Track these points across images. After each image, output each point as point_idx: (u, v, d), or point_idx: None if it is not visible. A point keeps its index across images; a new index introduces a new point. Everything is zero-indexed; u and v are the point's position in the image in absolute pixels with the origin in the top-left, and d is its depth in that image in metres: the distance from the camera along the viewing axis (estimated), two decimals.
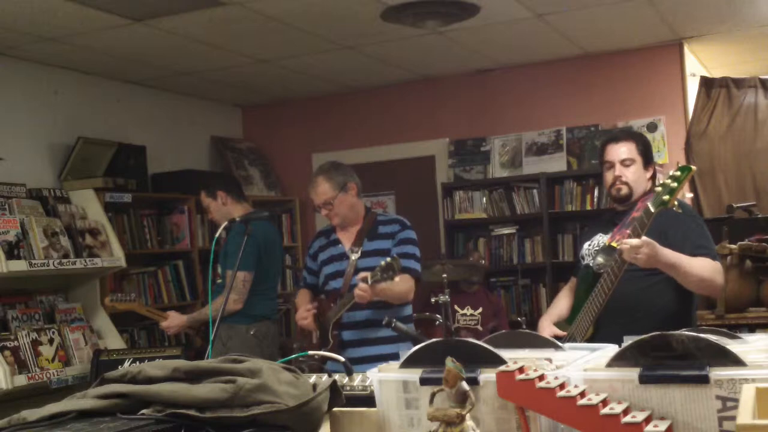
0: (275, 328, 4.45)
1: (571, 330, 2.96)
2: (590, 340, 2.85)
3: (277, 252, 4.44)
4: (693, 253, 2.79)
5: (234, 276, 3.72)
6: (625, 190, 2.98)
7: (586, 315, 2.88)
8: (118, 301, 4.45)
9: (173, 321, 4.35)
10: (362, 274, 3.29)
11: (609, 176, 3.02)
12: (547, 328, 3.05)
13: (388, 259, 3.22)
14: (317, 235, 3.83)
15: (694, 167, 2.51)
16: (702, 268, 2.78)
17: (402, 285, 3.43)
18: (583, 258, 3.10)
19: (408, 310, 3.64)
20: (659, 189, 2.52)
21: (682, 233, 2.85)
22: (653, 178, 3.06)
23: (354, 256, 3.56)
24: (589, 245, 3.08)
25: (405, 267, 3.48)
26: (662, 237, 2.76)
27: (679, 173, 2.48)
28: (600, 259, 2.85)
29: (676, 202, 2.55)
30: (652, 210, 2.53)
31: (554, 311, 3.17)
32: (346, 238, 3.65)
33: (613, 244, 2.80)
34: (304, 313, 3.63)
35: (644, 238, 2.58)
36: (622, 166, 2.99)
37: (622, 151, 3.00)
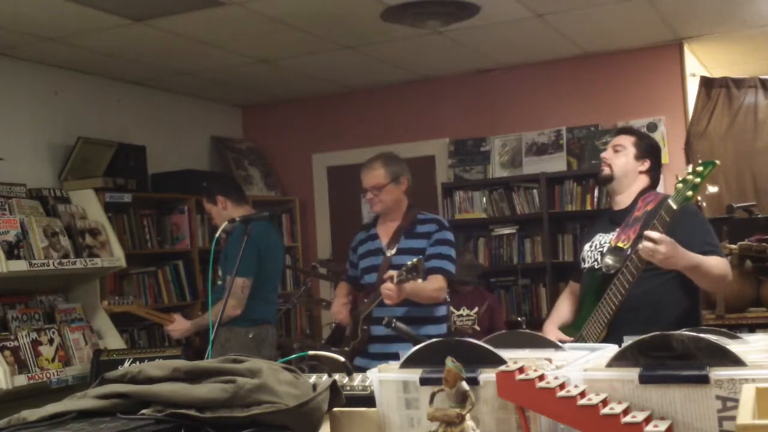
0: (274, 331, 4.45)
1: (581, 334, 2.91)
2: (603, 342, 2.81)
3: (278, 254, 4.42)
4: (702, 251, 2.77)
5: (233, 281, 3.71)
6: (606, 171, 3.03)
7: (599, 318, 2.83)
8: (115, 304, 4.46)
9: (178, 325, 4.34)
10: (389, 273, 3.31)
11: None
12: (552, 332, 3.00)
13: (414, 260, 3.23)
14: (360, 229, 3.89)
15: (717, 162, 2.47)
16: (718, 267, 2.78)
17: (431, 286, 3.46)
18: (583, 260, 3.05)
19: (442, 311, 3.65)
20: (680, 185, 2.48)
21: (690, 230, 2.82)
22: (649, 174, 3.04)
23: (389, 253, 3.59)
24: (590, 247, 3.04)
25: (437, 267, 3.51)
26: (670, 234, 2.71)
27: (701, 168, 2.45)
28: (608, 261, 2.81)
29: (699, 197, 2.52)
30: (675, 207, 2.50)
31: (557, 316, 3.14)
32: (384, 234, 3.68)
33: (620, 244, 2.77)
34: (339, 307, 3.70)
35: (665, 237, 2.56)
36: (612, 150, 3.05)
37: (616, 139, 3.09)
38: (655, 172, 3.07)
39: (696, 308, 2.95)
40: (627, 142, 3.04)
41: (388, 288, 3.27)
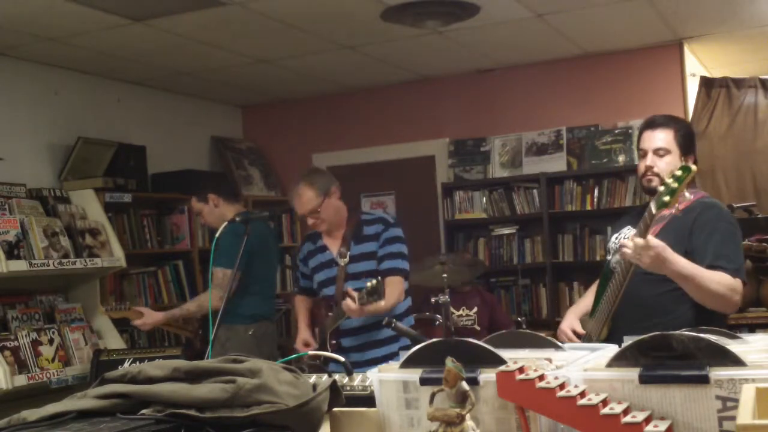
0: (273, 329, 4.44)
1: (588, 328, 2.87)
2: (606, 341, 2.71)
3: (272, 251, 4.40)
4: (712, 263, 2.59)
5: (233, 274, 3.70)
6: (655, 182, 2.75)
7: (600, 315, 2.78)
8: (112, 310, 4.46)
9: (148, 318, 4.23)
10: (349, 291, 3.25)
11: (641, 165, 2.83)
12: (569, 319, 2.95)
13: (373, 281, 3.16)
14: (305, 240, 3.81)
15: (694, 167, 2.38)
16: (717, 284, 2.56)
17: (391, 295, 3.38)
18: (608, 251, 2.95)
19: (404, 306, 3.60)
20: (662, 189, 2.40)
21: (706, 237, 2.65)
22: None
23: (342, 262, 3.52)
24: (617, 238, 2.91)
25: (392, 268, 3.46)
26: (687, 237, 2.65)
27: (680, 173, 2.37)
28: (618, 256, 2.73)
29: (677, 204, 2.38)
30: (654, 211, 2.42)
31: (582, 303, 3.03)
32: (333, 244, 3.61)
33: None
34: (304, 340, 3.62)
35: (651, 240, 2.45)
36: (655, 156, 2.78)
37: (657, 138, 2.79)
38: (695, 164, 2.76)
39: (710, 320, 2.61)
40: (669, 140, 2.78)
41: (350, 310, 3.22)
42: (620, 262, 2.67)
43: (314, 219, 3.54)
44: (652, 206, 2.43)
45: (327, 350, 3.50)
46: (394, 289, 3.42)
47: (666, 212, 2.51)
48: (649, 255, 2.45)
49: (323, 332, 3.57)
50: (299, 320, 3.74)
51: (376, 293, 3.14)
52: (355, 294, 3.20)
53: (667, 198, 2.38)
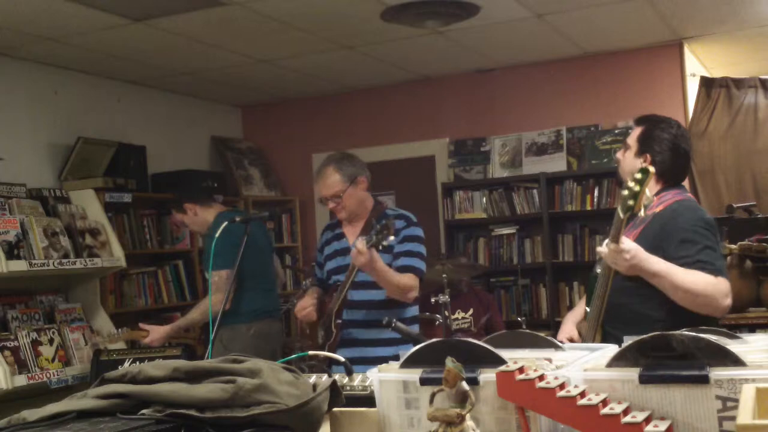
0: (278, 326, 4.41)
1: (584, 333, 2.87)
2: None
3: (262, 245, 4.33)
4: (689, 268, 2.54)
5: (233, 274, 3.70)
6: (619, 172, 2.88)
7: (591, 321, 2.77)
8: (110, 337, 4.47)
9: (154, 334, 4.23)
10: (359, 241, 3.15)
11: None
12: (566, 329, 2.95)
13: (383, 221, 3.09)
14: (325, 229, 3.74)
15: (652, 169, 2.36)
16: (694, 282, 2.50)
17: (402, 278, 3.32)
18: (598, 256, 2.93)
19: (412, 311, 3.55)
20: (625, 192, 2.40)
21: (676, 247, 2.59)
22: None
23: None
24: (607, 244, 2.86)
25: (407, 266, 3.39)
26: (660, 246, 2.61)
27: (639, 175, 2.36)
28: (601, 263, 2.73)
29: (643, 208, 2.37)
30: (621, 216, 2.40)
31: (578, 309, 3.04)
32: (351, 233, 3.54)
33: None
34: (303, 303, 3.53)
35: (623, 244, 2.43)
36: (622, 149, 2.89)
37: (629, 135, 2.91)
38: (662, 166, 2.74)
39: (691, 323, 2.61)
40: (633, 136, 2.84)
41: (359, 249, 3.10)
42: (603, 268, 2.65)
43: (334, 204, 3.47)
44: (619, 210, 2.42)
45: (332, 332, 3.44)
46: (406, 278, 3.36)
47: (640, 214, 2.48)
48: (624, 258, 2.45)
49: (328, 316, 3.48)
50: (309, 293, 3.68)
51: (386, 230, 3.04)
52: (363, 238, 3.11)
53: (631, 202, 2.37)
